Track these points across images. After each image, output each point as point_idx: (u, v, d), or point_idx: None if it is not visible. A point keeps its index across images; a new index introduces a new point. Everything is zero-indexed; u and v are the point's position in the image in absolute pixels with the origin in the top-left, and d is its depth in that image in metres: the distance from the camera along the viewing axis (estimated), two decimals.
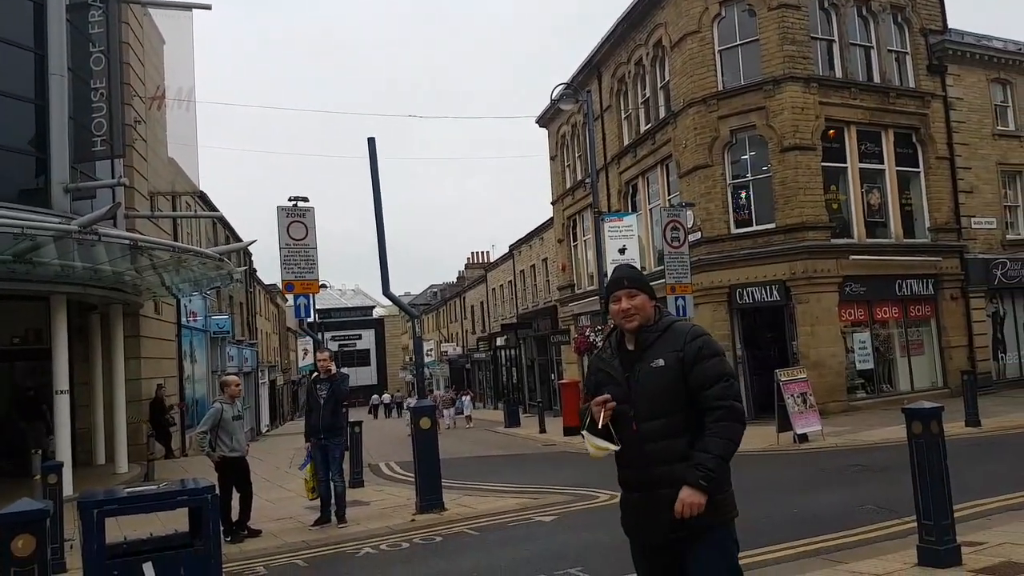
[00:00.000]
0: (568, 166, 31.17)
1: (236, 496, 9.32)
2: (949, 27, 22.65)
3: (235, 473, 9.33)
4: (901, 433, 7.25)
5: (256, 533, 9.27)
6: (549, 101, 23.94)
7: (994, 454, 11.63)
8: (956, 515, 5.56)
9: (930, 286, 21.25)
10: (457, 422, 32.97)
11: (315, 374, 10.22)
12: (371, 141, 12.43)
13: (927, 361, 21.36)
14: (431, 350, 63.01)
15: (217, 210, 28.99)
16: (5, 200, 12.66)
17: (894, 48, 21.77)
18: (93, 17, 15.12)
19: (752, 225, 20.18)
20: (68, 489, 10.79)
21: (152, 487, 5.29)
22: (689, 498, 3.07)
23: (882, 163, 21.03)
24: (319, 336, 19.55)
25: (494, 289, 49.41)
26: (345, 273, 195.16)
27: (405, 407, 34.72)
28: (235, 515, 9.27)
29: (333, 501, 9.66)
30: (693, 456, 3.10)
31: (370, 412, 58.78)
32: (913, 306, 21.20)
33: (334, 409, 9.67)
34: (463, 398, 35.98)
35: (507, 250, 45.08)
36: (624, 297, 3.33)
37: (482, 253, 59.58)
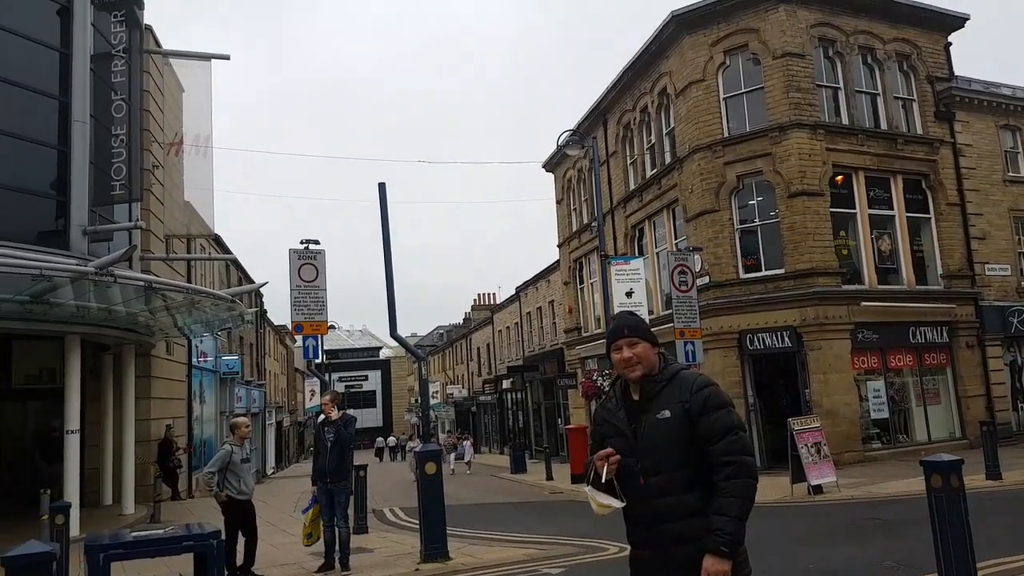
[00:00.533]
0: (574, 209, 31.36)
1: (242, 540, 9.28)
2: (956, 74, 22.85)
3: (241, 516, 9.31)
4: (919, 485, 7.11)
5: None
6: (555, 147, 24.23)
7: (1017, 509, 11.33)
8: (979, 574, 5.41)
9: (945, 334, 21.08)
10: (456, 468, 32.60)
11: (322, 417, 10.18)
12: (382, 186, 12.60)
13: (944, 411, 21.05)
14: (436, 392, 62.85)
15: (231, 252, 29.27)
16: (25, 242, 12.89)
17: (900, 95, 21.97)
18: (116, 67, 15.52)
19: (761, 270, 20.18)
20: (75, 530, 10.78)
21: (158, 531, 5.29)
22: (714, 567, 2.95)
23: (892, 209, 21.08)
24: (326, 377, 19.52)
25: (500, 331, 49.35)
26: (353, 313, 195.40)
27: (408, 450, 34.37)
28: (240, 558, 9.21)
29: (337, 547, 9.55)
30: (710, 520, 3.00)
31: (376, 455, 58.43)
32: (928, 354, 21.00)
33: (340, 453, 9.56)
34: (464, 443, 35.85)
35: (513, 292, 45.13)
36: (625, 346, 3.27)
37: (489, 294, 59.69)
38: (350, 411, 10.90)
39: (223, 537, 5.18)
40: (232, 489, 9.21)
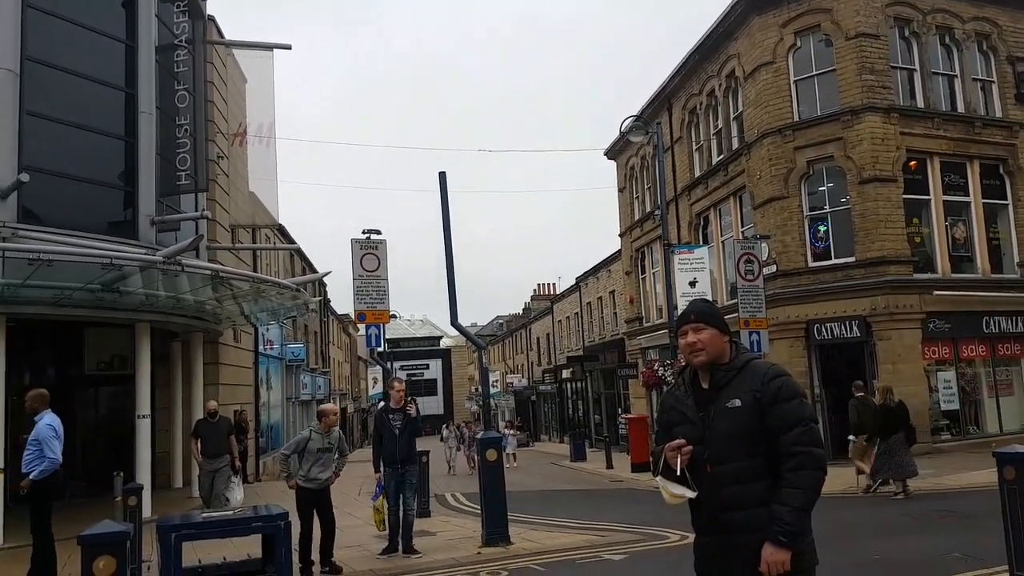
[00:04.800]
0: (637, 198, 31.02)
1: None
2: None
3: (313, 504, 8.95)
4: (990, 477, 6.91)
5: (338, 570, 8.81)
6: (619, 133, 23.95)
7: None
8: None
9: (1020, 324, 20.28)
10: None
11: (382, 403, 10.17)
12: (442, 176, 12.58)
13: (1017, 402, 20.32)
14: (496, 381, 63.06)
15: (295, 242, 29.80)
16: (95, 231, 13.26)
17: (979, 77, 21.10)
18: (179, 57, 15.82)
19: (831, 258, 19.67)
20: (147, 511, 11.08)
21: (228, 512, 5.38)
22: (772, 556, 2.95)
23: (967, 195, 20.31)
24: (388, 365, 19.76)
25: (560, 321, 49.28)
26: (414, 303, 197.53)
27: (443, 437, 33.54)
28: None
29: (400, 531, 9.56)
30: (772, 509, 2.98)
31: (441, 440, 58.98)
32: (1001, 344, 20.25)
33: (410, 439, 9.63)
34: (507, 434, 29.72)
35: (573, 282, 44.97)
36: (691, 331, 3.25)
37: (549, 285, 59.62)
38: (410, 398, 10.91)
39: (289, 521, 5.18)
40: (301, 476, 8.96)
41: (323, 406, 9.95)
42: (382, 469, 9.66)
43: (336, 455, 9.20)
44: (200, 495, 13.86)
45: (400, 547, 9.53)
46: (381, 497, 9.64)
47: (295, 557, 7.69)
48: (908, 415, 13.56)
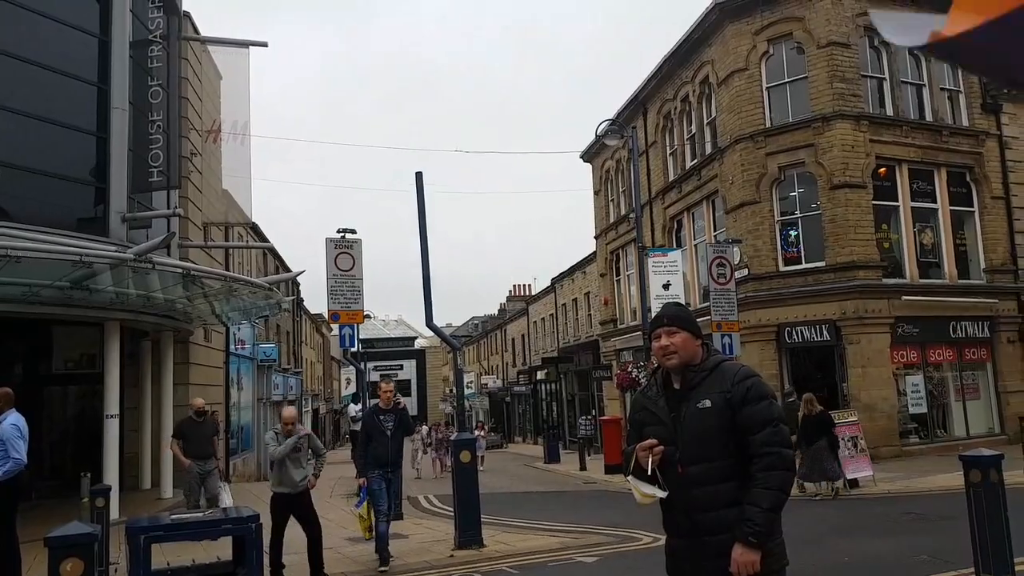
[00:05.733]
0: (612, 200, 31.16)
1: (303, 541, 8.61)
2: None
3: (289, 511, 8.51)
4: (957, 481, 7.03)
5: None
6: (594, 137, 24.05)
7: None
8: (1016, 568, 5.35)
9: (986, 329, 20.67)
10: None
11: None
12: (419, 176, 12.55)
13: (983, 406, 20.70)
14: (471, 382, 63.07)
15: (268, 241, 29.55)
16: (65, 228, 13.06)
17: (947, 86, 21.46)
18: (153, 52, 15.65)
19: (801, 263, 19.91)
20: (115, 513, 10.93)
21: (198, 514, 5.33)
22: (742, 557, 2.98)
23: (935, 202, 20.65)
24: (362, 366, 19.67)
25: (535, 322, 49.36)
26: (388, 303, 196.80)
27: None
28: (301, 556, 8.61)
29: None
30: (743, 509, 3.01)
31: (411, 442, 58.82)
32: (968, 349, 20.63)
33: (401, 440, 9.44)
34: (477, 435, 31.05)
35: (549, 283, 45.07)
36: (664, 334, 3.28)
37: (524, 286, 59.67)
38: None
39: (260, 523, 5.11)
40: (274, 480, 8.59)
41: (283, 409, 9.72)
42: (369, 472, 9.25)
43: (310, 456, 8.87)
44: (187, 499, 13.14)
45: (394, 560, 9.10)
46: (366, 503, 9.27)
47: (266, 560, 7.61)
48: (831, 424, 13.96)
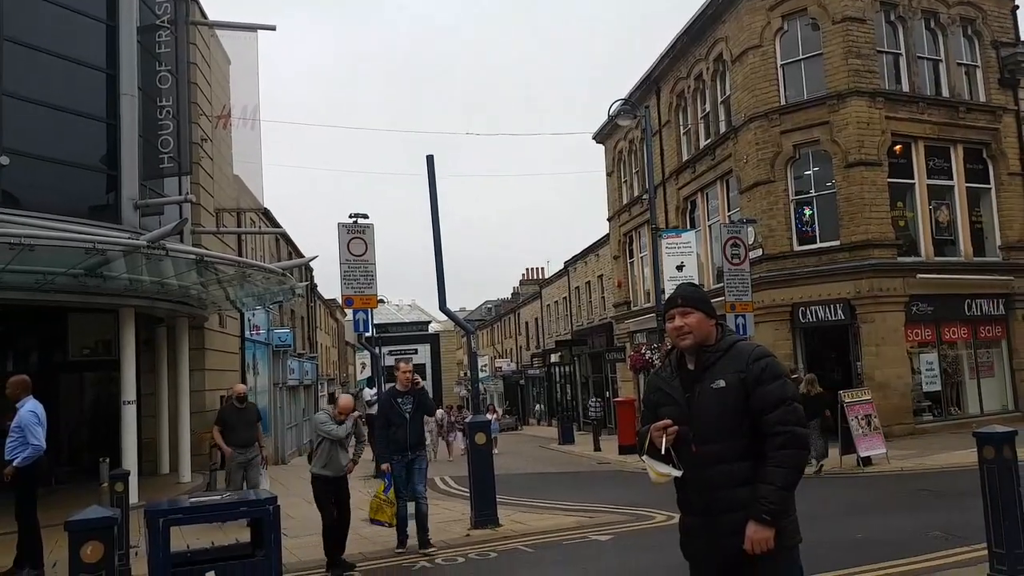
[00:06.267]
0: (625, 182, 31.02)
1: None
2: (1022, 39, 21.93)
3: (330, 495, 8.37)
4: (970, 457, 7.00)
5: (349, 567, 8.24)
6: (607, 117, 23.90)
7: None
8: None
9: (1001, 306, 20.51)
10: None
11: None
12: (430, 159, 12.52)
13: (997, 383, 20.58)
14: (485, 366, 63.24)
15: (280, 226, 29.61)
16: (77, 216, 13.11)
17: (963, 61, 21.17)
18: (161, 37, 15.61)
19: (816, 242, 19.77)
20: (134, 497, 11.04)
21: (215, 497, 5.37)
22: (756, 534, 3.00)
23: (951, 179, 20.42)
24: (377, 350, 19.73)
25: (548, 305, 49.36)
26: (402, 288, 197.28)
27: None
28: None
29: (417, 524, 8.95)
30: (756, 488, 3.02)
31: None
32: (983, 327, 20.49)
33: (420, 422, 9.18)
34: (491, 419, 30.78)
35: (562, 266, 45.02)
36: (678, 315, 3.29)
37: (537, 269, 59.67)
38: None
39: (278, 505, 5.11)
40: (318, 464, 8.39)
41: (340, 397, 9.14)
42: (391, 458, 8.94)
43: (353, 441, 8.82)
44: (229, 489, 13.05)
45: (409, 540, 8.97)
46: (392, 490, 8.92)
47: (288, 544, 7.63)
48: (825, 405, 14.17)
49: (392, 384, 9.50)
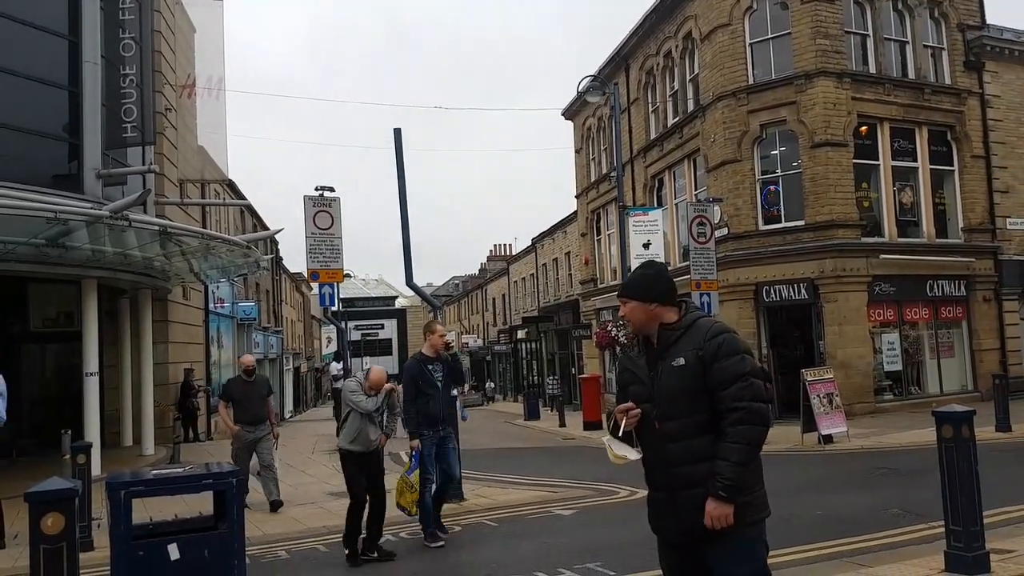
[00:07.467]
0: (593, 159, 31.03)
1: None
2: (988, 23, 22.20)
3: (361, 472, 7.56)
4: (929, 436, 7.16)
5: (389, 555, 7.45)
6: (576, 93, 23.85)
7: None
8: (985, 521, 5.45)
9: (962, 287, 20.91)
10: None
11: (419, 353, 8.30)
12: (397, 132, 12.39)
13: (957, 364, 21.02)
14: (452, 341, 63.16)
15: (245, 198, 29.23)
16: (39, 185, 12.83)
17: (930, 43, 21.39)
18: (125, 4, 15.22)
19: (781, 222, 19.97)
20: (96, 470, 10.94)
21: (178, 470, 5.33)
22: (715, 511, 3.05)
23: (915, 161, 20.71)
24: (343, 325, 19.64)
25: (516, 282, 49.42)
26: (369, 262, 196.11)
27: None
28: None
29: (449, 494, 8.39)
30: (713, 464, 3.06)
31: None
32: (944, 307, 20.88)
33: (451, 392, 8.49)
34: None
35: (530, 243, 45.04)
36: (622, 305, 3.40)
37: (505, 246, 59.63)
38: (367, 359, 10.41)
39: (241, 478, 5.05)
40: (347, 439, 7.59)
41: (372, 370, 7.94)
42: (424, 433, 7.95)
43: (385, 412, 7.87)
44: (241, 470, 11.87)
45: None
46: (417, 470, 7.79)
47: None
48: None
49: (418, 350, 8.53)
